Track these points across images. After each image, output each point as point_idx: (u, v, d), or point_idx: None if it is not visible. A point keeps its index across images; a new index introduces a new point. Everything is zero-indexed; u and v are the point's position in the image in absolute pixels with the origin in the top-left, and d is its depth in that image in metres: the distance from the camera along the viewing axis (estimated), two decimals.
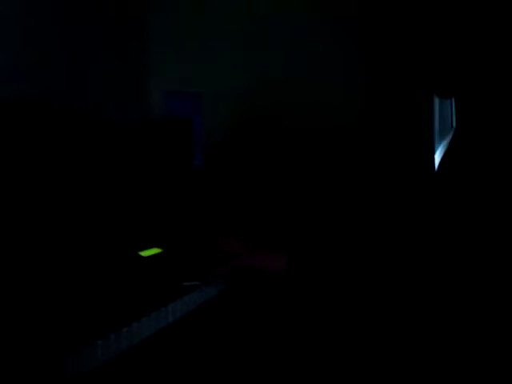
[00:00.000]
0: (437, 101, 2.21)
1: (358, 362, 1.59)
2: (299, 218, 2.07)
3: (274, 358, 1.65)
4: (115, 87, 2.00)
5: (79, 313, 0.89)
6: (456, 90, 1.01)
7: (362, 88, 2.12)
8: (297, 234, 2.02)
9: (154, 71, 2.27)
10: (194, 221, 1.72)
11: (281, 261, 1.11)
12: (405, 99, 2.09)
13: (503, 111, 0.95)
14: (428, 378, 0.96)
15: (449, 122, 2.30)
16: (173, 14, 2.27)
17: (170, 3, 2.27)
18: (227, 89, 2.21)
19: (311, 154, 2.13)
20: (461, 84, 0.99)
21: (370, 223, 2.00)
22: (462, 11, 0.95)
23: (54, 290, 1.03)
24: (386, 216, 1.98)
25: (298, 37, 2.17)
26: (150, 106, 2.23)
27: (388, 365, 1.32)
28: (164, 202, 1.65)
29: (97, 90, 1.88)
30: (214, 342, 1.52)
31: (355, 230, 1.97)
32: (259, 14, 2.20)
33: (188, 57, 2.25)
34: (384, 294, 1.00)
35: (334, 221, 2.05)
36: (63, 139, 1.29)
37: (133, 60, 2.17)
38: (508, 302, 0.87)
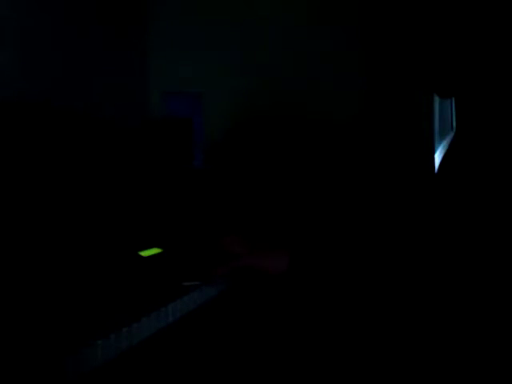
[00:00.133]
0: (437, 101, 2.21)
1: (358, 362, 1.59)
2: (300, 218, 2.07)
3: (274, 358, 1.65)
4: (115, 87, 2.00)
5: (79, 313, 0.89)
6: (456, 89, 1.01)
7: (362, 88, 2.12)
8: (298, 234, 2.02)
9: (153, 71, 2.27)
10: (194, 221, 1.72)
11: (282, 261, 1.11)
12: (405, 99, 2.09)
13: (503, 111, 0.95)
14: (428, 378, 0.96)
15: (449, 122, 2.30)
16: (173, 14, 2.27)
17: (170, 3, 2.27)
18: (227, 89, 2.21)
19: (311, 154, 2.13)
20: (461, 84, 0.99)
21: (371, 224, 2.00)
22: (462, 11, 0.95)
23: (55, 291, 1.03)
24: (387, 216, 1.98)
25: (298, 37, 2.17)
26: (149, 106, 2.23)
27: (388, 365, 1.32)
28: (164, 202, 1.65)
29: (97, 90, 1.88)
30: (214, 342, 1.52)
31: (356, 230, 1.97)
32: (259, 14, 2.20)
33: (188, 57, 2.25)
34: (385, 295, 1.00)
35: (335, 221, 2.05)
36: (63, 139, 1.29)
37: (133, 60, 2.17)
38: (508, 302, 0.87)
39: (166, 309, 0.96)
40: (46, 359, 0.67)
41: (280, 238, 1.54)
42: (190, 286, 1.11)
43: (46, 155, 1.22)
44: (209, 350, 1.51)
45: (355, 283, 1.02)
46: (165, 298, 1.00)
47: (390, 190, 2.02)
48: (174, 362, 1.39)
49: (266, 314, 1.68)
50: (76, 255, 1.21)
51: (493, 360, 0.89)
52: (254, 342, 1.64)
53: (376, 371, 1.50)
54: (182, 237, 1.58)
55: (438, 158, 2.11)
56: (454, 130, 1.05)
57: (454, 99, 1.05)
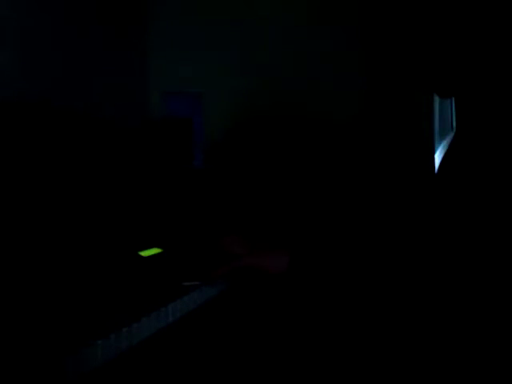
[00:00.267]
0: (437, 101, 2.21)
1: (358, 362, 1.59)
2: (300, 218, 2.07)
3: (274, 358, 1.65)
4: (115, 87, 2.00)
5: (79, 313, 0.89)
6: (456, 89, 1.01)
7: (362, 88, 2.12)
8: (298, 234, 2.02)
9: (153, 71, 2.27)
10: (194, 221, 1.72)
11: (282, 261, 1.10)
12: (405, 99, 2.09)
13: (504, 111, 0.95)
14: (428, 378, 0.96)
15: (449, 122, 2.30)
16: (173, 14, 2.27)
17: (170, 3, 2.27)
18: (227, 89, 2.21)
19: (311, 154, 2.13)
20: (461, 84, 0.99)
21: (371, 224, 2.00)
22: (462, 11, 0.95)
23: (55, 291, 1.03)
24: (387, 216, 1.98)
25: (298, 37, 2.17)
26: (149, 106, 2.23)
27: (388, 365, 1.32)
28: (164, 202, 1.65)
29: (97, 90, 1.88)
30: (214, 342, 1.52)
31: (356, 230, 1.97)
32: (259, 14, 2.20)
33: (188, 57, 2.25)
34: (385, 295, 1.00)
35: (335, 221, 2.05)
36: (63, 139, 1.29)
37: (133, 60, 2.17)
38: (508, 302, 0.87)
39: (165, 309, 0.96)
40: (46, 359, 0.67)
41: (280, 238, 1.54)
42: (189, 286, 1.11)
43: (46, 155, 1.22)
44: (209, 350, 1.51)
45: (355, 283, 1.02)
46: (165, 298, 1.00)
47: (389, 190, 2.02)
48: (174, 361, 1.39)
49: (266, 314, 1.68)
50: (76, 255, 1.21)
51: (493, 360, 0.89)
52: (254, 341, 1.64)
53: (376, 371, 1.50)
54: (182, 237, 1.58)
55: (438, 158, 2.11)
56: (454, 130, 1.05)
57: (453, 99, 1.05)
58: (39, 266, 1.10)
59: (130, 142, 1.59)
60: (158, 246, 1.43)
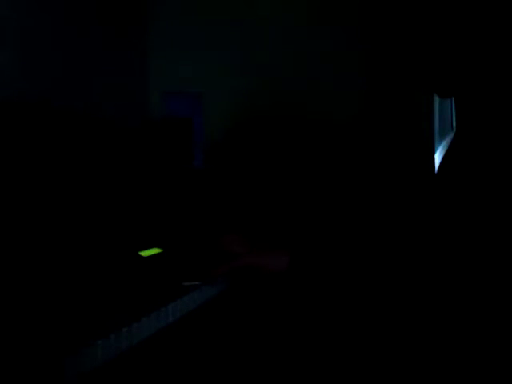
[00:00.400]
0: (437, 101, 2.21)
1: (358, 361, 1.59)
2: (300, 218, 2.07)
3: (274, 357, 1.65)
4: (115, 87, 2.00)
5: (79, 313, 0.89)
6: (456, 89, 1.01)
7: (362, 88, 2.12)
8: (298, 233, 2.02)
9: (153, 71, 2.27)
10: (194, 221, 1.72)
11: (282, 260, 1.10)
12: (405, 99, 2.09)
13: (504, 111, 0.95)
14: (428, 378, 0.96)
15: (449, 122, 2.30)
16: (173, 14, 2.27)
17: (170, 3, 2.27)
18: (227, 89, 2.21)
19: (311, 154, 2.13)
20: (461, 84, 0.99)
21: (371, 223, 2.00)
22: (462, 11, 0.95)
23: (54, 291, 1.03)
24: (387, 216, 1.98)
25: (298, 37, 2.17)
26: (149, 106, 2.23)
27: (388, 365, 1.32)
28: (164, 202, 1.65)
29: (97, 90, 1.88)
30: (214, 342, 1.52)
31: (356, 229, 1.97)
32: (259, 14, 2.20)
33: (188, 57, 2.25)
34: (385, 295, 1.00)
35: (335, 221, 2.05)
36: (63, 139, 1.29)
37: (133, 60, 2.17)
38: (508, 302, 0.87)
39: (165, 309, 0.96)
40: (45, 359, 0.67)
41: (280, 238, 1.54)
42: (189, 286, 1.11)
43: (46, 155, 1.22)
44: (209, 350, 1.51)
45: (355, 283, 1.02)
46: (165, 298, 1.00)
47: (389, 190, 2.02)
48: (174, 361, 1.39)
49: (267, 314, 1.68)
50: (76, 255, 1.21)
51: (493, 360, 0.89)
52: (255, 341, 1.64)
53: (376, 371, 1.50)
54: (182, 237, 1.58)
55: (438, 158, 2.11)
56: (454, 130, 1.05)
57: (453, 99, 1.05)
58: (39, 266, 1.10)
59: (130, 142, 1.59)
60: (158, 246, 1.43)
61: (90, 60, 1.85)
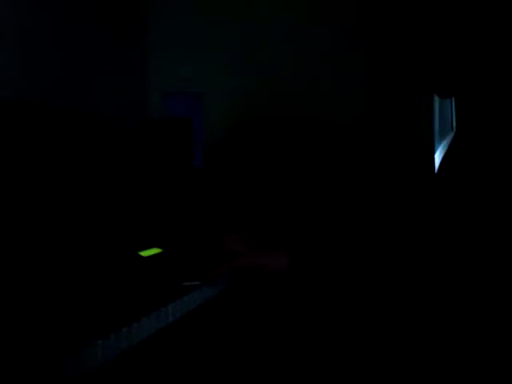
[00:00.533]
0: (437, 101, 2.21)
1: (358, 361, 1.59)
2: (300, 218, 2.07)
3: (274, 357, 1.65)
4: (115, 87, 2.00)
5: (79, 313, 0.89)
6: (456, 89, 1.01)
7: (362, 88, 2.12)
8: (298, 233, 2.02)
9: (153, 71, 2.27)
10: (194, 221, 1.72)
11: (282, 260, 1.10)
12: (405, 99, 2.09)
13: (503, 111, 0.95)
14: (428, 378, 0.96)
15: (449, 122, 2.30)
16: (173, 14, 2.27)
17: (170, 3, 2.27)
18: (227, 89, 2.21)
19: (311, 154, 2.13)
20: (461, 84, 0.99)
21: (371, 223, 2.00)
22: (462, 11, 0.95)
23: (55, 291, 1.03)
24: (387, 216, 1.98)
25: (298, 37, 2.17)
26: (149, 106, 2.23)
27: (388, 365, 1.32)
28: (164, 202, 1.65)
29: (97, 90, 1.88)
30: (214, 342, 1.52)
31: (356, 229, 1.97)
32: (259, 14, 2.20)
33: (188, 57, 2.25)
34: (385, 295, 1.00)
35: (335, 221, 2.05)
36: (63, 139, 1.29)
37: (133, 60, 2.17)
38: (508, 302, 0.87)
39: (165, 309, 0.96)
40: (46, 359, 0.67)
41: (280, 238, 1.54)
42: (189, 286, 1.11)
43: (45, 155, 1.22)
44: (209, 350, 1.51)
45: (355, 282, 1.02)
46: (165, 298, 1.00)
47: (389, 190, 2.02)
48: (174, 361, 1.39)
49: (267, 314, 1.68)
50: (76, 255, 1.21)
51: (493, 360, 0.89)
52: (255, 341, 1.64)
53: (376, 371, 1.50)
54: (182, 237, 1.58)
55: (438, 157, 2.11)
56: (454, 130, 1.05)
57: (454, 99, 1.05)
58: (39, 266, 1.10)
59: (130, 142, 1.59)
60: (158, 246, 1.43)
61: (90, 60, 1.85)
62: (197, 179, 1.87)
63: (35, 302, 0.95)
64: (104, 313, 0.89)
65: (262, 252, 1.17)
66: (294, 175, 2.12)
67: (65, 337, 0.76)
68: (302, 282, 1.09)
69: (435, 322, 0.94)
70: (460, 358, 0.91)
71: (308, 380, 1.65)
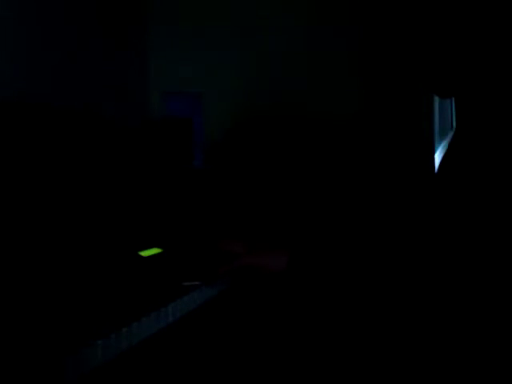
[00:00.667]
0: (437, 101, 2.21)
1: (357, 361, 1.59)
2: (299, 218, 2.07)
3: (274, 357, 1.65)
4: (115, 87, 2.01)
5: (79, 313, 0.89)
6: (456, 89, 1.01)
7: (362, 88, 2.12)
8: (297, 233, 2.02)
9: (153, 71, 2.27)
10: (194, 221, 1.72)
11: (281, 260, 1.11)
12: (405, 99, 2.09)
13: (503, 111, 0.95)
14: (428, 378, 0.96)
15: (449, 122, 2.30)
16: (173, 14, 2.27)
17: (170, 4, 2.27)
18: (227, 89, 2.21)
19: (311, 154, 2.13)
20: (461, 84, 0.99)
21: (371, 223, 2.00)
22: (462, 11, 0.95)
23: (55, 291, 1.03)
24: (387, 216, 1.98)
25: (298, 36, 2.17)
26: (149, 106, 2.23)
27: (388, 364, 1.32)
28: (164, 201, 1.65)
29: (97, 90, 1.88)
30: (214, 342, 1.52)
31: (355, 229, 1.97)
32: (259, 14, 2.20)
33: (188, 57, 2.25)
34: (384, 294, 1.00)
35: (335, 220, 2.05)
36: (63, 139, 1.29)
37: (133, 60, 2.17)
38: (508, 302, 0.87)
39: (165, 309, 0.96)
40: (46, 359, 0.67)
41: (279, 238, 1.54)
42: (189, 286, 1.11)
43: (46, 155, 1.22)
44: (209, 350, 1.51)
45: (354, 282, 1.02)
46: (165, 298, 1.00)
47: (389, 190, 2.02)
48: (174, 361, 1.39)
49: (267, 314, 1.68)
50: (76, 255, 1.21)
51: (493, 360, 0.89)
52: (254, 341, 1.64)
53: (376, 370, 1.50)
54: (182, 237, 1.58)
55: (438, 157, 2.11)
56: (454, 129, 1.05)
57: (454, 99, 1.05)
58: (39, 265, 1.10)
59: (130, 142, 1.59)
60: (158, 246, 1.43)
61: (91, 60, 1.85)
62: (197, 179, 1.87)
63: (35, 302, 0.95)
64: (104, 313, 0.89)
65: (262, 252, 1.17)
66: (294, 175, 2.12)
67: (65, 337, 0.76)
68: (301, 281, 1.09)
69: (435, 321, 0.94)
70: (460, 356, 0.91)
71: (308, 380, 1.65)
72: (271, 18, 2.19)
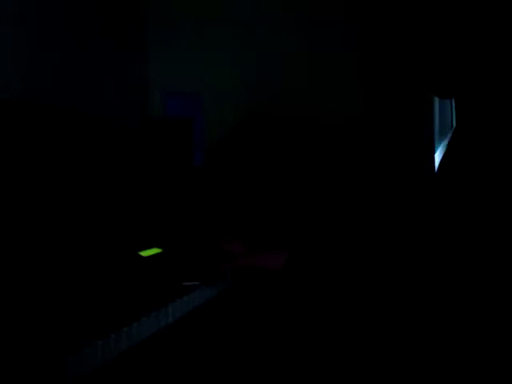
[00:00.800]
0: (437, 101, 2.21)
1: (357, 361, 1.59)
2: (299, 217, 2.07)
3: (273, 357, 1.65)
4: (115, 87, 2.00)
5: (79, 313, 0.89)
6: (456, 89, 1.01)
7: (362, 88, 2.12)
8: (297, 232, 2.02)
9: (153, 71, 2.26)
10: (194, 221, 1.72)
11: (281, 260, 1.11)
12: (405, 99, 2.09)
13: (503, 111, 0.95)
14: (428, 378, 0.96)
15: (449, 122, 2.30)
16: (173, 14, 2.27)
17: (170, 4, 2.27)
18: (227, 89, 2.21)
19: (311, 153, 2.13)
20: (461, 84, 0.99)
21: (370, 223, 2.00)
22: (462, 11, 0.95)
23: (54, 290, 1.03)
24: (386, 216, 1.98)
25: (298, 36, 2.17)
26: (150, 106, 2.23)
27: (388, 364, 1.32)
28: (164, 201, 1.65)
29: (97, 89, 1.88)
30: (214, 342, 1.52)
31: (355, 229, 1.97)
32: (259, 13, 2.20)
33: (188, 57, 2.25)
34: (383, 294, 1.00)
35: (334, 220, 2.05)
36: (63, 139, 1.29)
37: (133, 60, 2.17)
38: (508, 302, 0.87)
39: (165, 309, 0.96)
40: (46, 359, 0.67)
41: (279, 237, 1.54)
42: (189, 286, 1.11)
43: (45, 155, 1.22)
44: (209, 350, 1.51)
45: (353, 282, 1.02)
46: (165, 298, 1.00)
47: (389, 190, 2.02)
48: (174, 361, 1.39)
49: (266, 314, 1.68)
50: (76, 255, 1.21)
51: (493, 360, 0.89)
52: (254, 341, 1.64)
53: (375, 370, 1.50)
54: (182, 237, 1.58)
55: (438, 157, 2.11)
56: (454, 129, 1.05)
57: (454, 99, 1.05)
58: (39, 265, 1.11)
59: (130, 142, 1.59)
60: (158, 246, 1.43)
61: (90, 60, 1.85)
62: (197, 179, 1.87)
63: (35, 301, 0.95)
64: (104, 313, 0.89)
65: (262, 252, 1.17)
66: (294, 175, 2.12)
67: (65, 337, 0.76)
68: (299, 281, 1.09)
69: (434, 321, 0.94)
70: (460, 356, 0.91)
71: (307, 379, 1.65)
72: (271, 18, 2.19)
